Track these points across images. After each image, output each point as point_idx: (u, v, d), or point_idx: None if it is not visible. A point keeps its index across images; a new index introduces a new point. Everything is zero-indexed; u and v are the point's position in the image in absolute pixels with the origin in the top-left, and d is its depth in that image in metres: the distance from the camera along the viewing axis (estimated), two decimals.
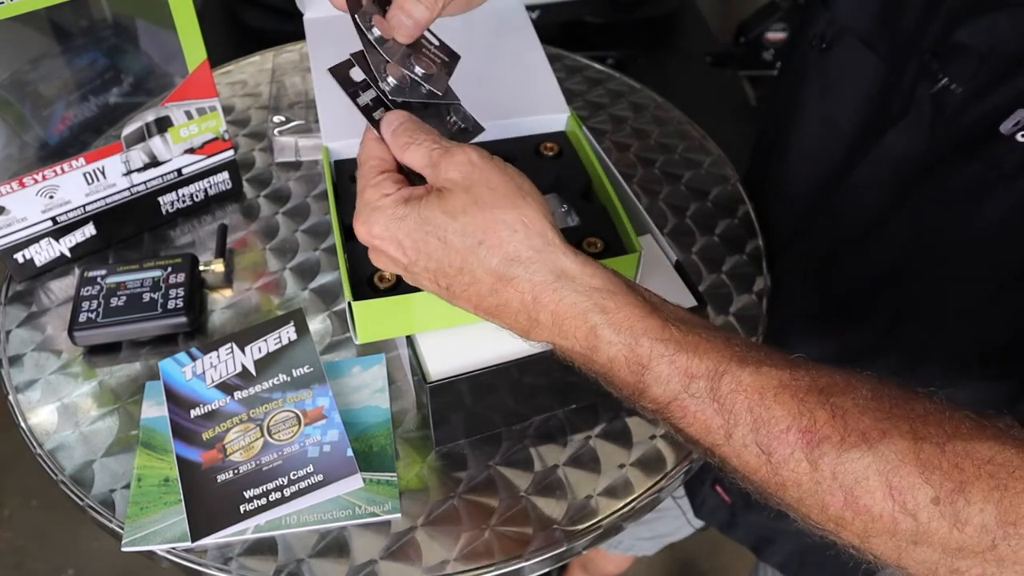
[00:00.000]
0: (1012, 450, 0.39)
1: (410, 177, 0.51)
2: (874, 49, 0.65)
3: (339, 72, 0.55)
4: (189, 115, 0.75)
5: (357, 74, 0.54)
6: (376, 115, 0.52)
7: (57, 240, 0.75)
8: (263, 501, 0.57)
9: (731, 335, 0.45)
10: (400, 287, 0.57)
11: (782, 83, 0.81)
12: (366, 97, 0.54)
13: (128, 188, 0.76)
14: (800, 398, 0.42)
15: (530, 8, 1.68)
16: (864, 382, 0.43)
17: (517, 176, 0.47)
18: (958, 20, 0.58)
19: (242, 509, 0.57)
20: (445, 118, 0.55)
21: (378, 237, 0.47)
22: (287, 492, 0.57)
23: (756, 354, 0.44)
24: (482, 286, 0.46)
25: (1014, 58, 0.55)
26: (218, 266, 0.74)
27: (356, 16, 0.52)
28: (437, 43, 0.56)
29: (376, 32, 0.52)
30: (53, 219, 0.73)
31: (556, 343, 0.46)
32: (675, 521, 1.08)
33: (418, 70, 0.53)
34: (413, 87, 0.53)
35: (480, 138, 0.70)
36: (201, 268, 0.73)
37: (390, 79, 0.52)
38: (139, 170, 0.76)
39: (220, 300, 0.74)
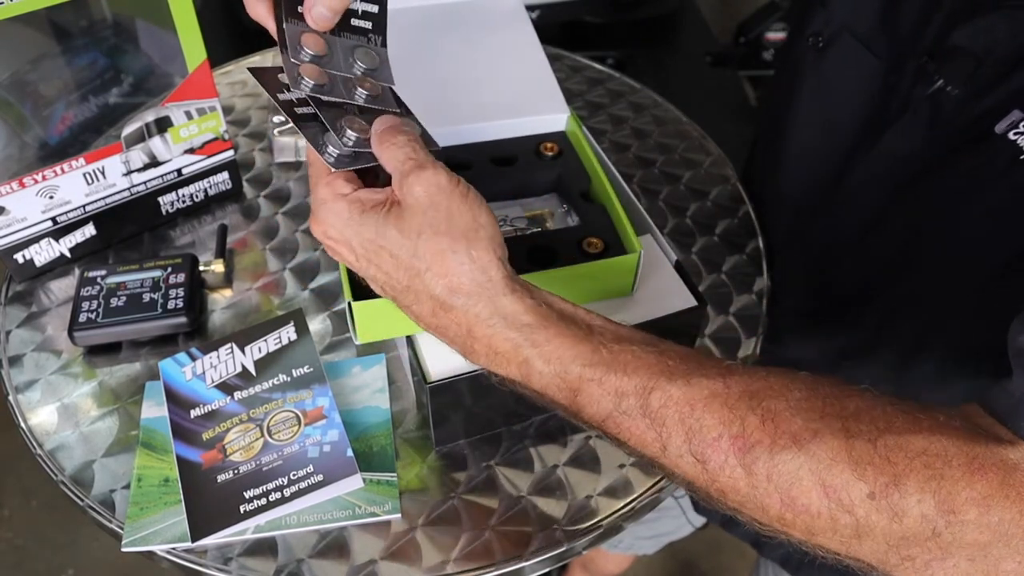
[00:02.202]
0: (947, 440, 0.40)
1: (362, 175, 0.51)
2: (872, 49, 0.65)
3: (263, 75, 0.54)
4: (189, 115, 0.75)
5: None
6: (299, 110, 0.52)
7: (57, 240, 0.75)
8: (263, 501, 0.57)
9: (668, 349, 0.46)
10: None
11: (779, 82, 0.81)
12: (292, 95, 0.53)
13: (128, 188, 0.76)
14: (730, 406, 0.42)
15: (530, 8, 1.68)
16: (797, 383, 0.43)
17: (477, 207, 0.48)
18: (954, 22, 0.58)
19: (242, 509, 0.57)
20: None
21: (332, 239, 0.49)
22: (287, 492, 0.57)
23: (688, 366, 0.45)
24: (424, 307, 0.48)
25: (1009, 60, 0.55)
26: (218, 266, 0.74)
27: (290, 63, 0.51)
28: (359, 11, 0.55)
29: (309, 84, 0.50)
30: (53, 219, 0.73)
31: (492, 370, 0.48)
32: (675, 520, 1.07)
33: (359, 66, 0.53)
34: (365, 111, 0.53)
35: (481, 138, 0.70)
36: (201, 268, 0.73)
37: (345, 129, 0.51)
38: (139, 170, 0.76)
39: (220, 300, 0.74)
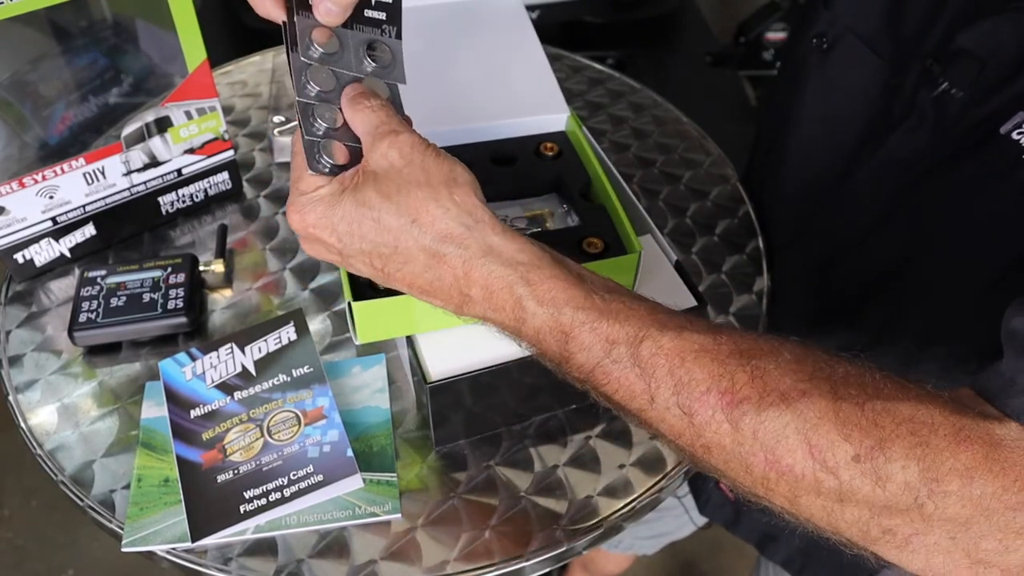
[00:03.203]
0: (934, 409, 0.40)
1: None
2: (876, 51, 0.65)
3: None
4: (189, 115, 0.75)
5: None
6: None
7: (57, 240, 0.75)
8: (263, 501, 0.57)
9: (657, 305, 0.46)
10: None
11: (781, 83, 0.81)
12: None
13: (128, 188, 0.76)
14: (721, 360, 0.42)
15: (530, 8, 1.67)
16: (787, 346, 0.43)
17: (452, 162, 0.48)
18: (959, 25, 0.58)
19: (242, 509, 0.57)
20: None
21: (312, 225, 0.49)
22: (287, 492, 0.57)
23: (678, 320, 0.45)
24: (416, 264, 0.47)
25: (1014, 62, 0.55)
26: (218, 266, 0.74)
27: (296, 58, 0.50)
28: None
29: (314, 88, 0.50)
30: (53, 219, 0.73)
31: (488, 317, 0.48)
32: (676, 520, 1.07)
33: (369, 63, 0.51)
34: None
35: (481, 138, 0.70)
36: (201, 268, 0.73)
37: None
38: (139, 170, 0.76)
39: (220, 300, 0.74)
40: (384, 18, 0.52)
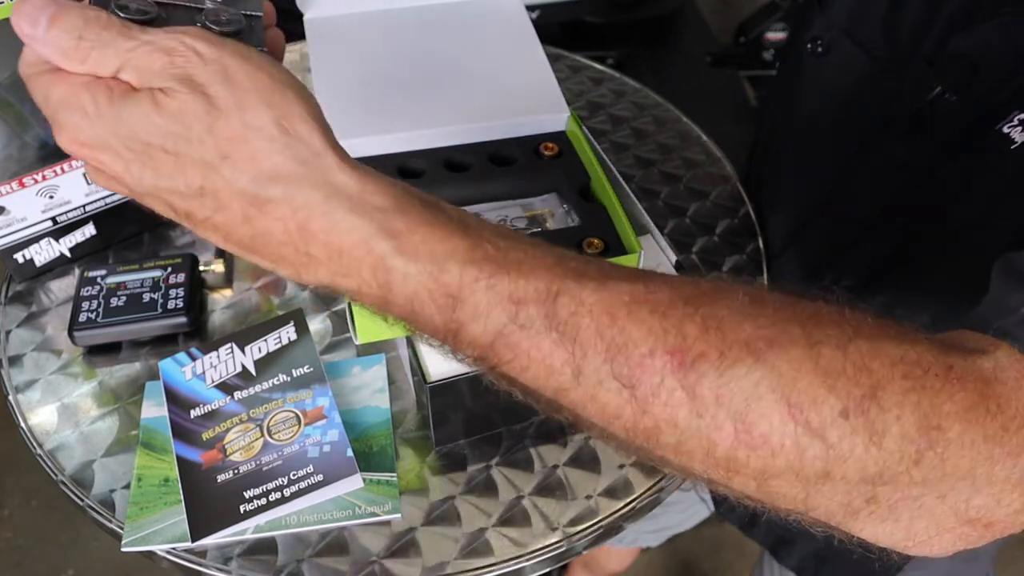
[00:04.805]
0: (922, 346, 0.35)
1: None
2: (872, 55, 0.65)
3: None
4: None
5: None
6: None
7: (57, 240, 0.75)
8: (263, 501, 0.57)
9: (566, 252, 0.36)
10: None
11: (778, 85, 0.81)
12: None
13: None
14: (662, 312, 0.34)
15: (530, 8, 1.68)
16: (737, 288, 0.36)
17: (269, 64, 0.35)
18: (954, 29, 0.58)
19: (242, 509, 0.57)
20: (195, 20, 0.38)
21: (87, 145, 0.35)
22: (287, 492, 0.57)
23: (598, 267, 0.36)
24: (231, 213, 0.35)
25: (1009, 66, 0.55)
26: (218, 266, 0.74)
27: None
28: None
29: None
30: (53, 219, 0.73)
31: (338, 284, 0.36)
32: (681, 514, 1.08)
33: None
34: None
35: (480, 138, 0.70)
36: (201, 268, 0.73)
37: None
38: None
39: (220, 300, 0.74)
40: None
